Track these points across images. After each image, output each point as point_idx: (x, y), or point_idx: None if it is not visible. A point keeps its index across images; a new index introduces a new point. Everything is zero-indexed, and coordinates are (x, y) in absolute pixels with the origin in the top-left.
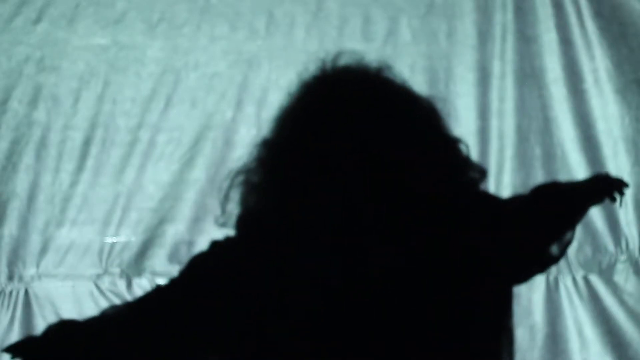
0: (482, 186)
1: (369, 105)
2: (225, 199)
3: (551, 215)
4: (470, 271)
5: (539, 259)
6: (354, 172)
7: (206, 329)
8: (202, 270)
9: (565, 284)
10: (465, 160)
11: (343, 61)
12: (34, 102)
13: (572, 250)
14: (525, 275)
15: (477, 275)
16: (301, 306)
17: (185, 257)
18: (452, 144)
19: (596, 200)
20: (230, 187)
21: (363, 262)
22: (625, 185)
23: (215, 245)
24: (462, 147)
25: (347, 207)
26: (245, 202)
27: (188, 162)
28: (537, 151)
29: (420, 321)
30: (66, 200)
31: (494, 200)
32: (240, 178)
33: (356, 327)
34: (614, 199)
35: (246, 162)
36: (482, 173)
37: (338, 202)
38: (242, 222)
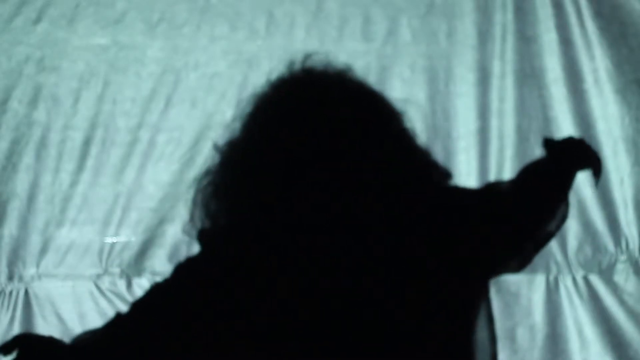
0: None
1: (332, 108)
2: (193, 205)
3: (539, 190)
4: (446, 267)
5: (533, 239)
6: (319, 173)
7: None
8: (170, 294)
9: (565, 284)
10: (427, 163)
11: (309, 63)
12: (34, 102)
13: (572, 250)
14: (524, 259)
15: (454, 271)
16: (282, 308)
17: (185, 257)
18: (414, 146)
19: (581, 166)
20: (196, 192)
21: (338, 263)
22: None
23: (179, 268)
24: (425, 150)
25: (317, 207)
26: (207, 205)
27: (188, 162)
28: (537, 151)
29: (400, 320)
30: (66, 200)
31: (468, 192)
32: (205, 181)
33: (334, 330)
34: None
35: (210, 164)
36: (446, 175)
37: (308, 202)
38: (207, 235)
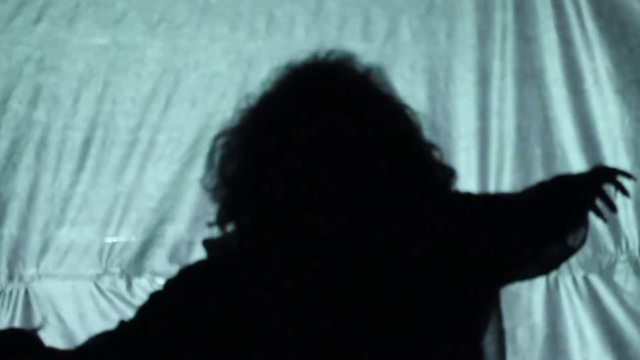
0: (454, 186)
1: (349, 106)
2: (209, 164)
3: (547, 214)
4: (455, 273)
5: (536, 259)
6: (330, 166)
7: None
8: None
9: (565, 284)
10: (436, 164)
11: (334, 58)
12: (34, 102)
13: None
14: (522, 275)
15: (463, 277)
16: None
17: (185, 257)
18: (426, 149)
19: (592, 196)
20: (212, 150)
21: (343, 266)
22: (622, 174)
23: (182, 273)
24: (436, 153)
25: (326, 204)
26: (223, 167)
27: (188, 162)
28: (537, 151)
29: (406, 327)
30: (66, 200)
31: (478, 198)
32: (221, 141)
33: (340, 338)
34: (613, 208)
35: (227, 126)
36: (451, 172)
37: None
38: (211, 244)
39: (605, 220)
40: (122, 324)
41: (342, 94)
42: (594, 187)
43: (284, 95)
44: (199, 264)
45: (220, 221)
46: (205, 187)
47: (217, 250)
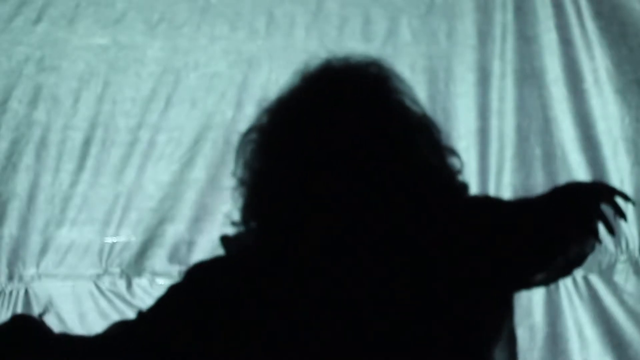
0: (466, 192)
1: (367, 110)
2: (237, 159)
3: (551, 224)
4: (455, 276)
5: (543, 266)
6: (345, 173)
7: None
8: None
9: (565, 284)
10: (450, 170)
11: (355, 61)
12: (34, 102)
13: None
14: (527, 283)
15: (462, 281)
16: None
17: (185, 257)
18: (440, 157)
19: (597, 204)
20: (241, 145)
21: (357, 271)
22: (620, 195)
23: (199, 269)
24: (454, 159)
25: (339, 208)
26: (250, 162)
27: (188, 162)
28: (537, 151)
29: (414, 329)
30: (66, 200)
31: (489, 203)
32: (249, 137)
33: (349, 341)
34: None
35: (255, 122)
36: (463, 187)
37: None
38: (230, 241)
39: (600, 242)
40: (140, 315)
41: (358, 99)
42: (592, 209)
43: (300, 98)
44: (216, 260)
45: (245, 218)
46: (237, 180)
47: (233, 246)
